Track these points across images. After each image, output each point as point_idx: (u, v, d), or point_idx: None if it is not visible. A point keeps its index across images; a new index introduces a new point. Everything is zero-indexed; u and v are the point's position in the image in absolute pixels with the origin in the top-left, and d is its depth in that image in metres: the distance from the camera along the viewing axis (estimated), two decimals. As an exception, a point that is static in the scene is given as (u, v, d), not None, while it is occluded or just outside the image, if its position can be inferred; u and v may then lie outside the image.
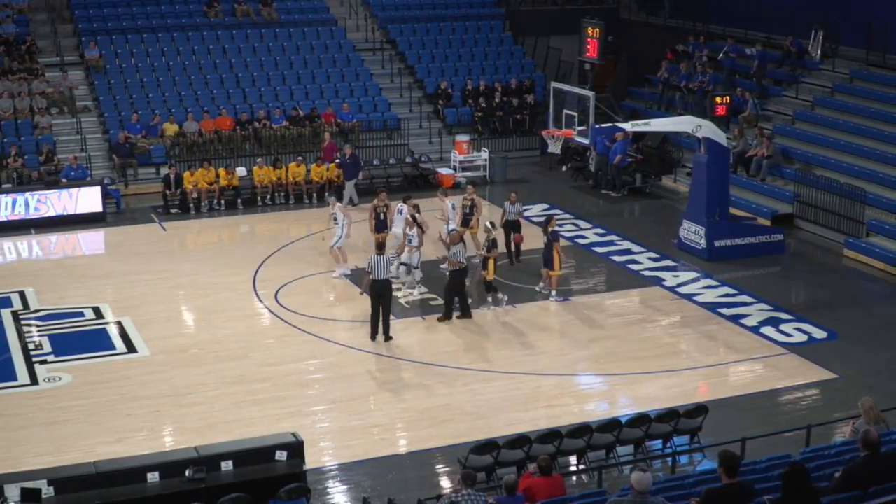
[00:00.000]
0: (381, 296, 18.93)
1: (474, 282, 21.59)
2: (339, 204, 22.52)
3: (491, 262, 20.49)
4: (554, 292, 21.08)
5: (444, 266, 20.93)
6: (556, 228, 21.00)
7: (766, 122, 29.43)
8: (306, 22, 34.86)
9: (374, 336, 19.03)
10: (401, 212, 22.20)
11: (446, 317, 20.02)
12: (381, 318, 19.03)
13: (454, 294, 20.05)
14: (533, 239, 23.19)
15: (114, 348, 19.00)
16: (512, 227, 22.89)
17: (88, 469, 12.81)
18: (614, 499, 10.11)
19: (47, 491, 12.21)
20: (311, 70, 33.03)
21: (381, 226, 22.57)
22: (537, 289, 21.37)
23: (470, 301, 20.34)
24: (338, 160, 28.12)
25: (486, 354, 19.04)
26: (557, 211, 27.24)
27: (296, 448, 13.40)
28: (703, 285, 22.11)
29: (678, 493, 10.85)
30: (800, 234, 25.44)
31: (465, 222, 22.72)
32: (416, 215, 21.60)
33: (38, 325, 19.89)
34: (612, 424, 14.67)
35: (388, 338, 19.05)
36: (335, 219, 21.95)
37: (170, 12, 33.94)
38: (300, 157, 28.51)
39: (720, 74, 31.59)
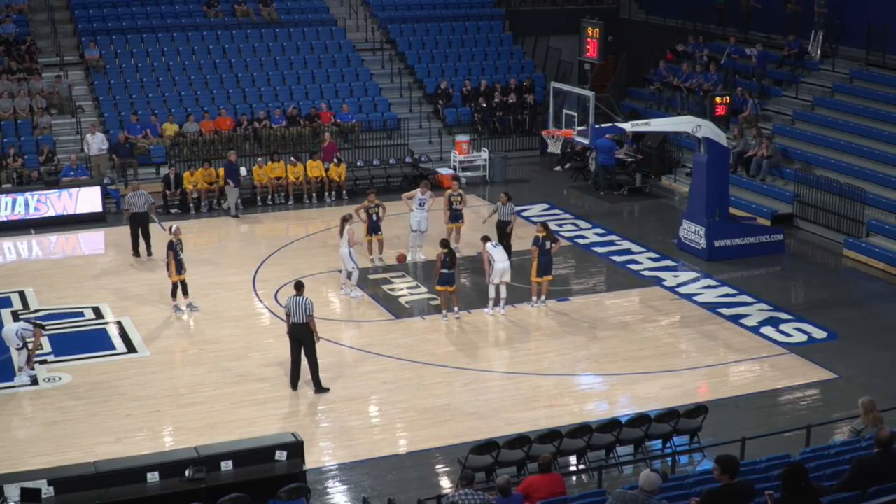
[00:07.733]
0: (300, 341, 17.06)
1: (475, 283, 21.59)
2: None
3: (172, 265, 20.07)
4: (534, 298, 20.93)
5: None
6: (539, 235, 20.71)
7: (766, 122, 29.42)
8: (306, 22, 34.86)
9: (294, 386, 17.19)
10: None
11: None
12: (300, 367, 17.20)
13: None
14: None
15: (114, 348, 19.01)
16: (504, 227, 22.75)
17: (88, 469, 12.83)
18: (619, 491, 10.14)
19: (47, 491, 12.23)
20: (311, 70, 33.03)
21: (374, 227, 22.58)
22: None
23: None
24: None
25: (485, 354, 19.05)
26: (557, 211, 27.28)
27: (295, 448, 13.41)
28: (703, 285, 22.12)
29: (678, 493, 10.86)
30: (800, 234, 25.43)
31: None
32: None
33: (37, 325, 19.90)
34: (611, 424, 14.67)
35: (318, 390, 17.09)
36: None
37: (170, 12, 33.94)
38: (294, 159, 28.46)
39: (720, 74, 31.59)
